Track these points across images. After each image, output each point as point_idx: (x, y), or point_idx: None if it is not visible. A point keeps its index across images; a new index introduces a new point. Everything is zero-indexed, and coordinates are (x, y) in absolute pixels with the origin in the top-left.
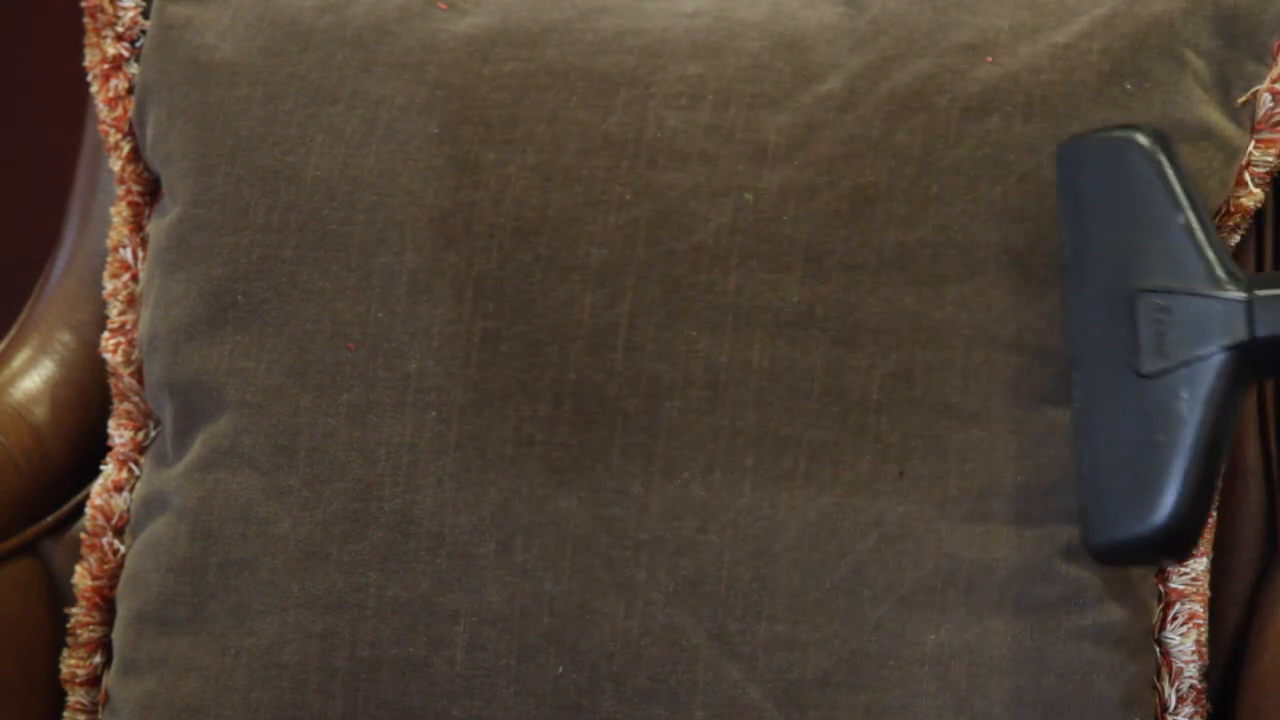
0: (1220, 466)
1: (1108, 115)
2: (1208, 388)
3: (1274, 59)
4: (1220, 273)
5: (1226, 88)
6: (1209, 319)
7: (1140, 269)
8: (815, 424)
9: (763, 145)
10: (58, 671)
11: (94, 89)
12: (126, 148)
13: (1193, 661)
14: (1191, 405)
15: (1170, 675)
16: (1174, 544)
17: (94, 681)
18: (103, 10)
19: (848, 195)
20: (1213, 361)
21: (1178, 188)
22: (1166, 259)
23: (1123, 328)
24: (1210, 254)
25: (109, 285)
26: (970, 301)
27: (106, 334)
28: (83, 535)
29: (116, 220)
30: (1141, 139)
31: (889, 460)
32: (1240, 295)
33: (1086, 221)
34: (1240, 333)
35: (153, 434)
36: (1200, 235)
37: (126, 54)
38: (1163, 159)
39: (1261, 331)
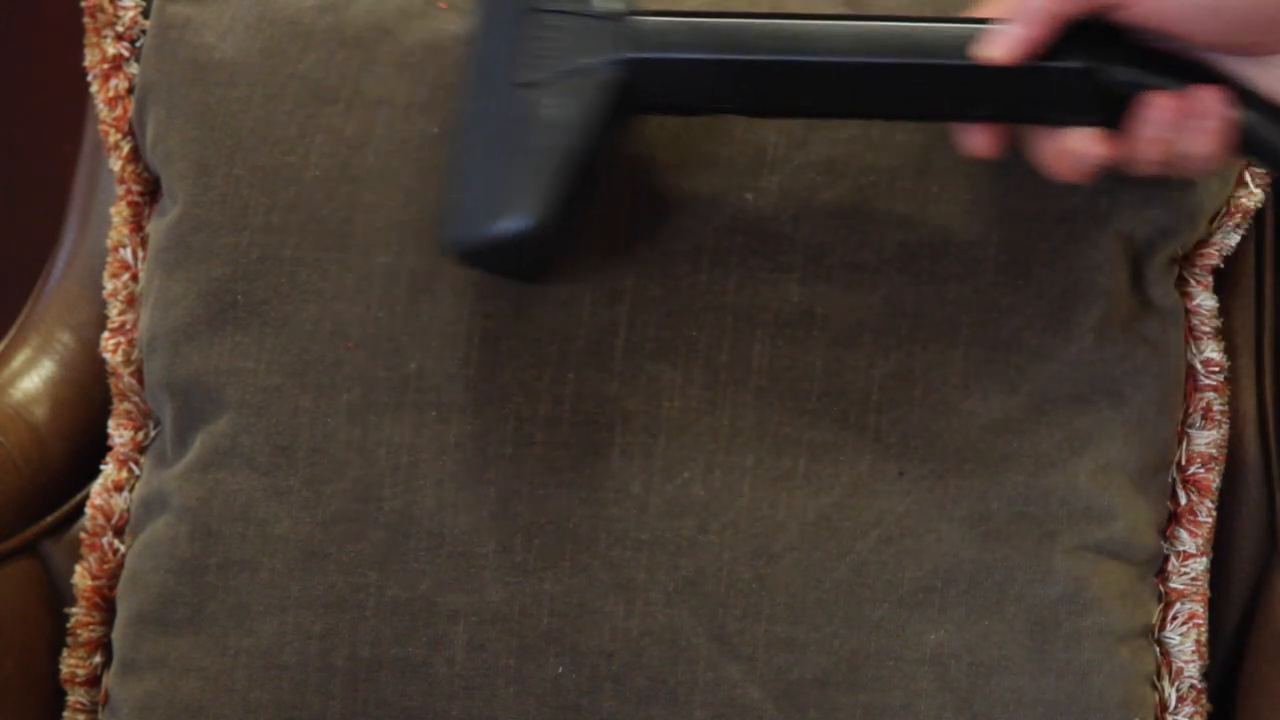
0: (591, 187)
1: None
2: (577, 100)
3: None
4: None
5: None
6: (588, 35)
7: None
8: (815, 424)
9: (762, 146)
10: (57, 671)
11: (94, 89)
12: (126, 148)
13: (1193, 661)
14: (559, 114)
15: (1170, 675)
16: (532, 246)
17: (94, 681)
18: (103, 10)
19: (848, 195)
20: (584, 75)
21: None
22: None
23: (511, 44)
24: None
25: (109, 285)
26: (970, 301)
27: (106, 334)
28: (82, 535)
29: (116, 220)
30: None
31: (889, 460)
32: (619, 14)
33: None
34: (614, 51)
35: (152, 434)
36: None
37: (126, 54)
38: None
39: (635, 52)
